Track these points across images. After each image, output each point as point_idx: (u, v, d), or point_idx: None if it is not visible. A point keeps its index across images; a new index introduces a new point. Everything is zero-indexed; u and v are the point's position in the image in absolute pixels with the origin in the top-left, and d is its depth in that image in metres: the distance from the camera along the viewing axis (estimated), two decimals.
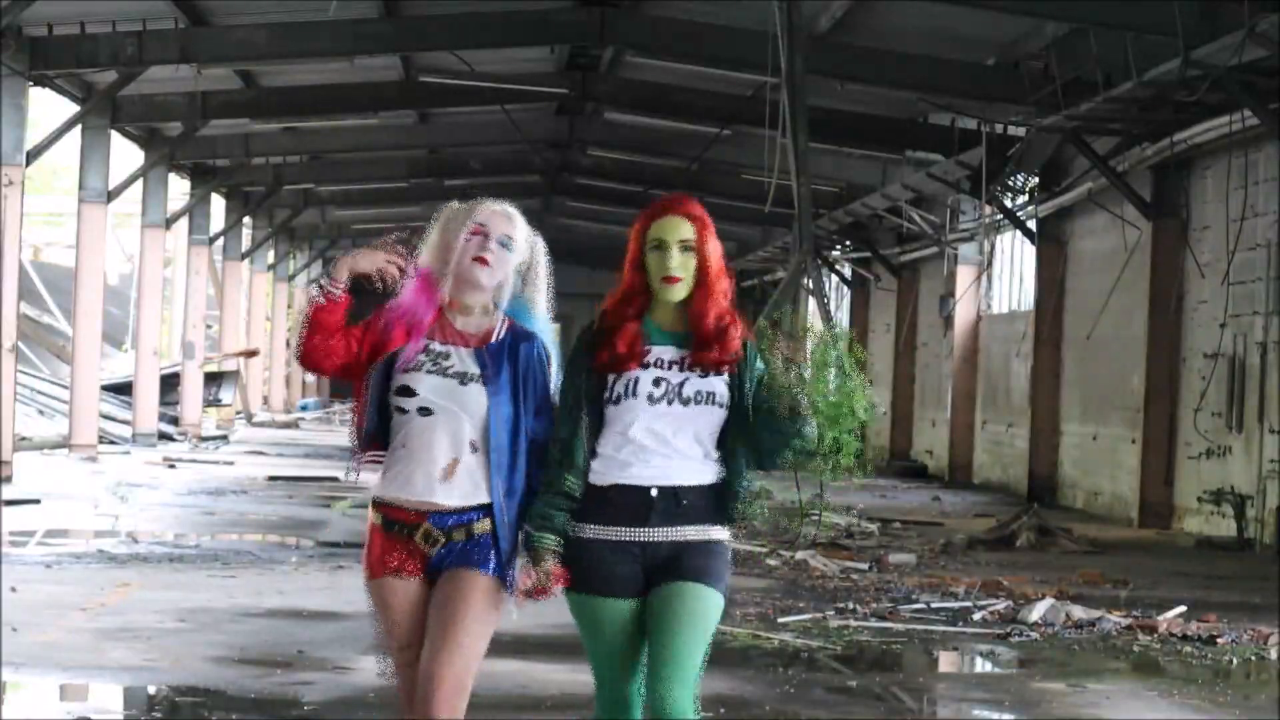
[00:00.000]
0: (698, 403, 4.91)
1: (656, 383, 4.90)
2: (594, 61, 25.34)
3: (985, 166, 22.37)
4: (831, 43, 20.58)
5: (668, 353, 4.94)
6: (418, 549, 4.99)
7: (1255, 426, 17.70)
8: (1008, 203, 24.37)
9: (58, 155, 36.01)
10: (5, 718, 7.79)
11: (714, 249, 4.95)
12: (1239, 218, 17.97)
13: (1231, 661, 10.32)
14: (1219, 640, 10.86)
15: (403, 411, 5.00)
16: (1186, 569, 15.31)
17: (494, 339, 5.04)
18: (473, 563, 4.95)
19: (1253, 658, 10.48)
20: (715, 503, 4.94)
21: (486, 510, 4.97)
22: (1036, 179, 23.65)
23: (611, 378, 4.90)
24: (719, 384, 4.93)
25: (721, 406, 4.92)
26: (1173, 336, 19.74)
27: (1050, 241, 23.61)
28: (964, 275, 27.53)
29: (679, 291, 4.92)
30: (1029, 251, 24.80)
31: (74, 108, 23.48)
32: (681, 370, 4.92)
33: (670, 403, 4.90)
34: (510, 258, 5.06)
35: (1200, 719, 8.72)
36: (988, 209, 24.88)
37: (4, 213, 19.43)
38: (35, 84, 20.63)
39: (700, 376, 4.91)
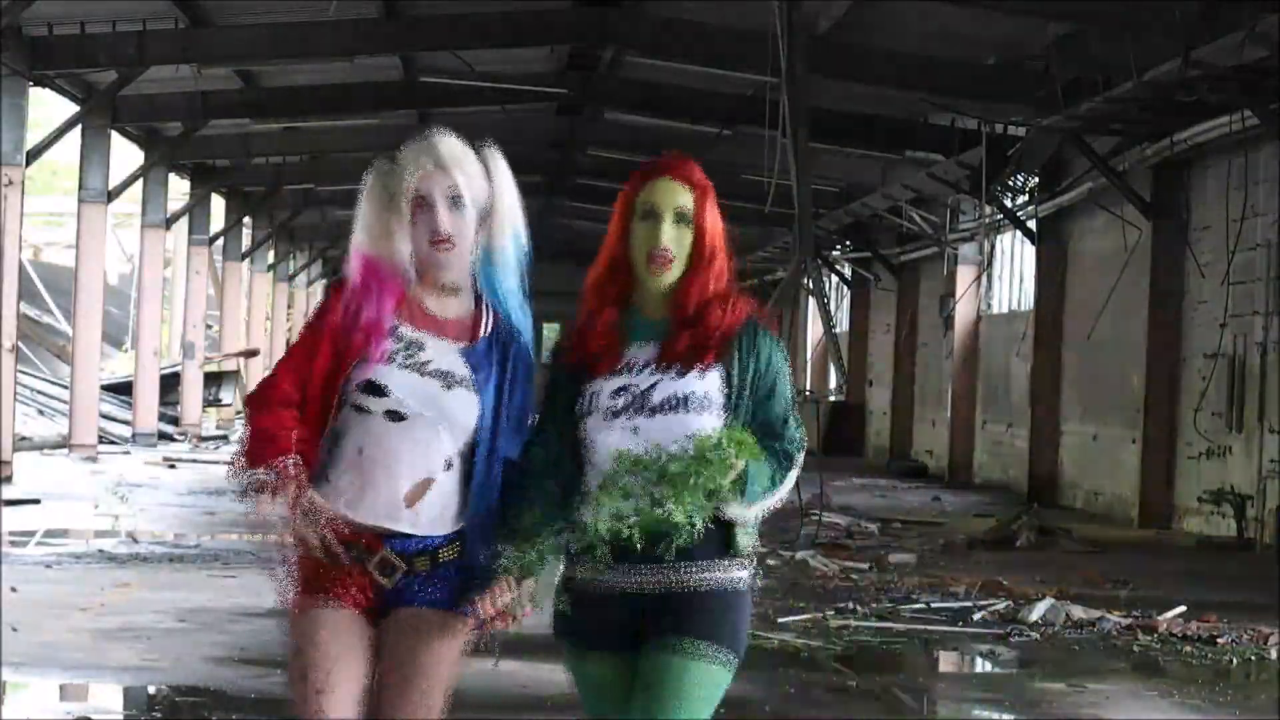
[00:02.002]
0: (667, 411, 3.90)
1: (618, 392, 3.93)
2: (594, 61, 25.33)
3: (985, 166, 22.36)
4: (831, 43, 20.58)
5: (646, 351, 3.99)
6: (366, 578, 4.05)
7: (1255, 426, 17.70)
8: (1008, 203, 24.36)
9: (58, 155, 35.96)
10: (5, 718, 7.79)
11: (714, 223, 4.04)
12: (1239, 218, 17.97)
13: (1231, 661, 10.32)
14: (1219, 640, 10.85)
15: (362, 411, 4.05)
16: (1186, 569, 15.31)
17: (481, 333, 4.15)
18: (440, 600, 4.05)
19: (1253, 658, 10.47)
20: (721, 532, 3.95)
21: (456, 534, 4.09)
22: (1036, 179, 23.65)
23: (585, 387, 3.99)
24: (700, 383, 3.93)
25: (706, 411, 3.92)
26: (1173, 336, 19.73)
27: (1050, 241, 23.60)
28: (964, 275, 27.52)
29: (669, 275, 3.98)
30: (1029, 251, 24.79)
31: (74, 108, 23.48)
32: (653, 371, 3.95)
33: (633, 415, 3.91)
34: (468, 216, 4.11)
35: (1200, 719, 8.71)
36: (988, 209, 24.88)
37: (4, 213, 19.43)
38: (35, 84, 20.64)
39: (674, 377, 3.94)
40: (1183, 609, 11.84)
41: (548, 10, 21.75)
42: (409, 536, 4.03)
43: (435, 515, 4.05)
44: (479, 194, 4.12)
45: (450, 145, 4.12)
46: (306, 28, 20.96)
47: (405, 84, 25.35)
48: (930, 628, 11.24)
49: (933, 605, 12.09)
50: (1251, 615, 11.89)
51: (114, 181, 25.43)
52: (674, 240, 3.96)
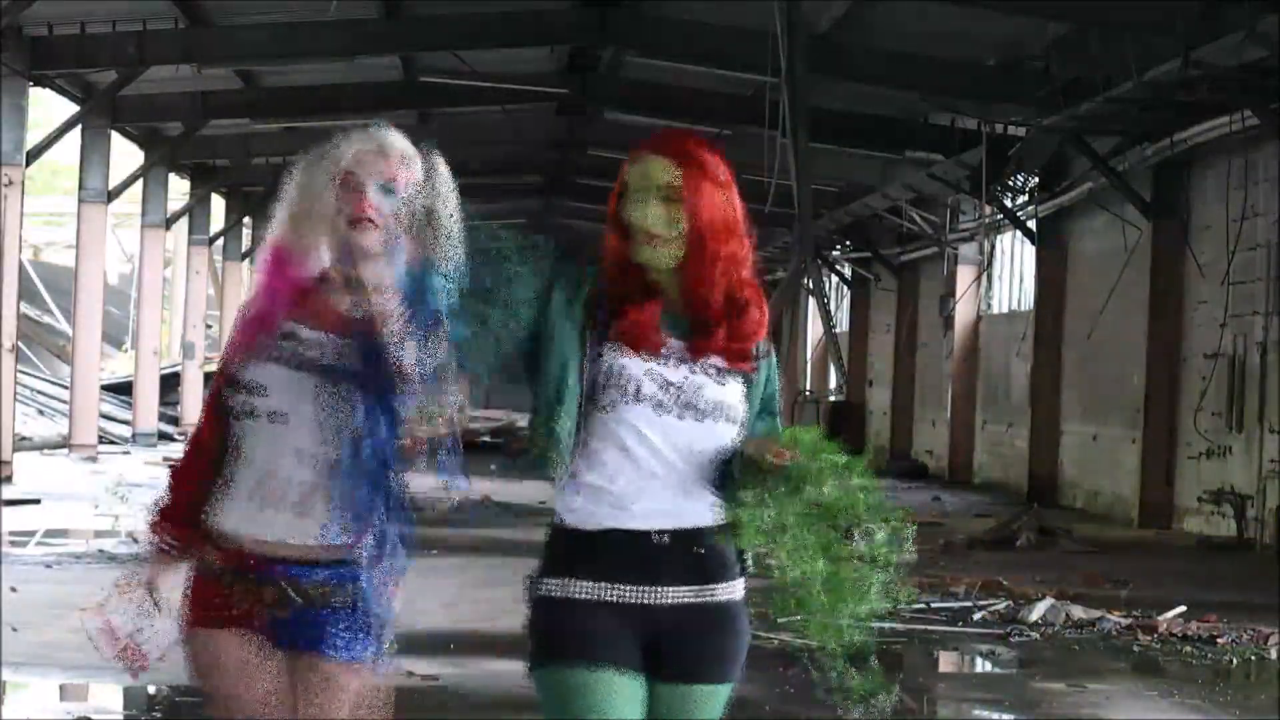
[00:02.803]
0: (717, 417, 3.56)
1: (665, 385, 3.54)
2: (594, 62, 25.33)
3: (985, 166, 22.36)
4: (831, 43, 20.58)
5: (676, 343, 3.59)
6: (258, 605, 3.67)
7: (1255, 426, 17.70)
8: (1008, 203, 24.36)
9: (58, 155, 35.96)
10: (5, 718, 7.79)
11: (711, 201, 3.57)
12: (1239, 218, 17.97)
13: (1231, 661, 10.32)
14: (1219, 640, 10.86)
15: (250, 416, 3.67)
16: (1186, 569, 15.31)
17: (384, 326, 3.62)
18: (341, 647, 3.66)
19: (1253, 658, 10.47)
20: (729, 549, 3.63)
21: (349, 565, 3.67)
22: (1036, 179, 23.65)
23: (607, 366, 3.53)
24: (734, 390, 3.61)
25: (735, 423, 3.59)
26: (1173, 336, 19.74)
27: (1050, 241, 23.61)
28: (964, 275, 27.53)
29: (659, 256, 3.53)
30: (1029, 251, 24.79)
31: (74, 108, 23.49)
32: (692, 370, 3.57)
33: (681, 412, 3.53)
34: (398, 209, 3.69)
35: (1200, 719, 8.71)
36: (988, 209, 24.89)
37: (4, 213, 19.43)
38: (35, 84, 20.65)
39: (716, 379, 3.57)
40: (1183, 609, 11.84)
41: (548, 10, 21.75)
42: (307, 564, 3.65)
43: (325, 523, 3.64)
44: (414, 194, 3.71)
45: (394, 137, 3.77)
46: (306, 28, 20.95)
47: (405, 84, 25.34)
48: (930, 628, 11.24)
49: (933, 605, 12.08)
50: (1251, 615, 11.89)
51: (114, 181, 25.43)
52: (661, 220, 3.53)
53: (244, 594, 3.65)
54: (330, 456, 3.63)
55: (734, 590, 3.63)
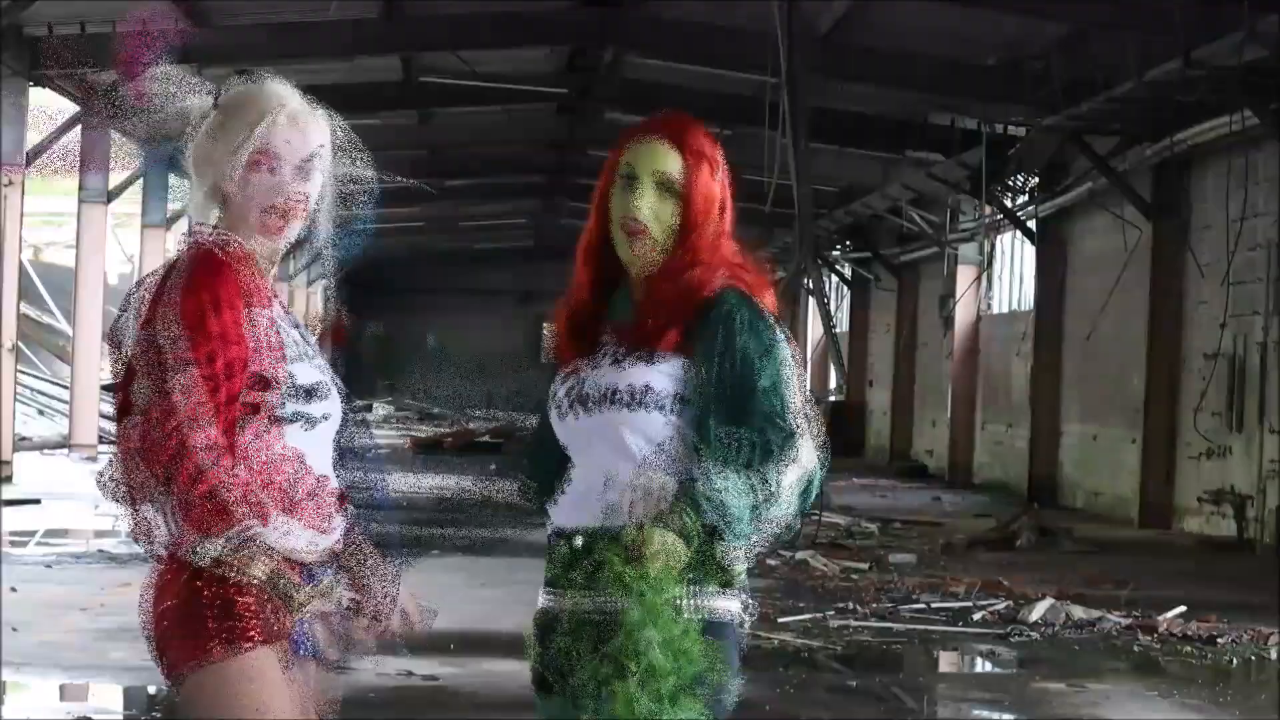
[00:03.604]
0: (606, 405, 3.27)
1: (568, 386, 3.36)
2: (594, 62, 25.34)
3: (985, 166, 22.37)
4: (831, 43, 20.58)
5: (614, 336, 3.39)
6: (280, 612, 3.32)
7: (1255, 427, 17.70)
8: (1008, 203, 24.36)
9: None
10: (5, 718, 7.79)
11: (707, 193, 3.37)
12: (1239, 218, 17.97)
13: (1231, 661, 10.32)
14: (1219, 640, 10.86)
15: (307, 422, 3.37)
16: (1186, 569, 15.30)
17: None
18: (320, 653, 3.44)
19: (1253, 658, 10.48)
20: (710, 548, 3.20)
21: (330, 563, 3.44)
22: (1036, 179, 23.65)
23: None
24: (647, 372, 3.26)
25: (647, 408, 3.24)
26: (1173, 337, 19.73)
27: (1050, 242, 23.60)
28: (964, 275, 27.52)
29: (643, 247, 3.32)
30: (1029, 251, 24.79)
31: (74, 107, 23.48)
32: (614, 360, 3.32)
33: (576, 411, 3.32)
34: (318, 183, 3.40)
35: (1200, 719, 8.71)
36: (988, 209, 24.89)
37: (4, 213, 19.43)
38: (35, 84, 20.64)
39: (619, 363, 3.30)
40: (1183, 609, 11.85)
41: (548, 10, 21.75)
42: (322, 565, 3.38)
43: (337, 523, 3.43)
44: (329, 165, 3.44)
45: (296, 99, 3.40)
46: (306, 28, 20.95)
47: (405, 84, 25.34)
48: (930, 628, 11.24)
49: (933, 605, 12.08)
50: (1251, 615, 11.89)
51: (114, 181, 25.43)
52: (651, 210, 3.30)
53: (289, 603, 3.28)
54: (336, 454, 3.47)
55: (697, 602, 3.22)
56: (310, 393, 3.36)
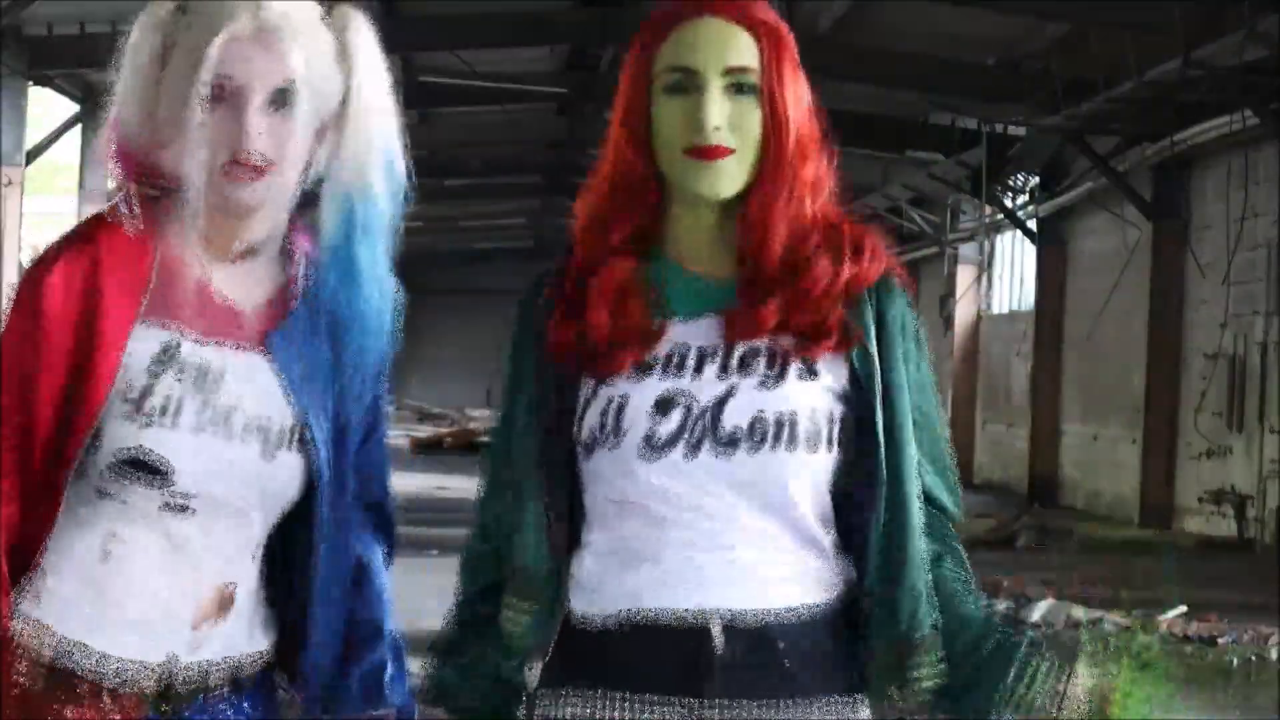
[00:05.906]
0: (759, 442, 2.18)
1: (663, 405, 2.19)
2: (594, 61, 25.33)
3: (985, 166, 22.37)
4: (832, 43, 20.57)
5: (701, 328, 2.24)
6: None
7: (1255, 426, 17.70)
8: (1008, 203, 24.37)
9: (58, 155, 35.97)
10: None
11: (798, 94, 2.29)
12: (1239, 218, 17.97)
13: (1231, 661, 10.31)
14: (1219, 640, 10.85)
15: (113, 501, 2.32)
16: (1186, 569, 15.29)
17: (291, 303, 2.45)
18: None
19: (1253, 658, 10.47)
20: (838, 645, 2.25)
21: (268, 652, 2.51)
22: (1036, 179, 23.65)
23: (585, 386, 2.24)
24: (810, 390, 2.22)
25: (821, 443, 2.22)
26: (1173, 336, 19.73)
27: (1050, 241, 23.61)
28: (964, 275, 27.53)
29: (725, 179, 2.23)
30: (1029, 251, 24.80)
31: (74, 107, 23.49)
32: (725, 368, 2.21)
33: (696, 448, 2.17)
34: (300, 123, 2.36)
35: (1200, 719, 8.70)
36: (988, 209, 24.89)
37: (4, 213, 19.42)
38: (35, 84, 20.65)
39: (761, 379, 2.21)
40: (1183, 609, 11.84)
41: (548, 10, 21.74)
42: (194, 671, 2.42)
43: (241, 632, 2.45)
44: (323, 86, 2.38)
45: (285, 6, 2.36)
46: None
47: (405, 84, 25.25)
48: None
49: None
50: (1251, 615, 11.88)
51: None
52: (730, 121, 2.23)
53: (94, 709, 2.40)
54: (256, 545, 2.57)
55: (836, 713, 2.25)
56: (156, 471, 2.28)
